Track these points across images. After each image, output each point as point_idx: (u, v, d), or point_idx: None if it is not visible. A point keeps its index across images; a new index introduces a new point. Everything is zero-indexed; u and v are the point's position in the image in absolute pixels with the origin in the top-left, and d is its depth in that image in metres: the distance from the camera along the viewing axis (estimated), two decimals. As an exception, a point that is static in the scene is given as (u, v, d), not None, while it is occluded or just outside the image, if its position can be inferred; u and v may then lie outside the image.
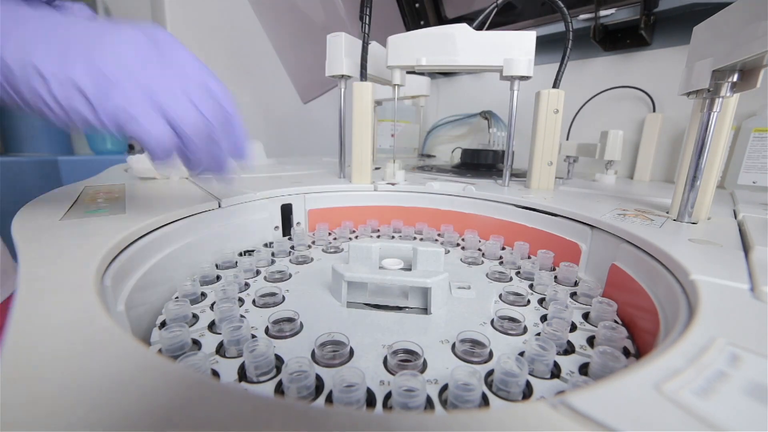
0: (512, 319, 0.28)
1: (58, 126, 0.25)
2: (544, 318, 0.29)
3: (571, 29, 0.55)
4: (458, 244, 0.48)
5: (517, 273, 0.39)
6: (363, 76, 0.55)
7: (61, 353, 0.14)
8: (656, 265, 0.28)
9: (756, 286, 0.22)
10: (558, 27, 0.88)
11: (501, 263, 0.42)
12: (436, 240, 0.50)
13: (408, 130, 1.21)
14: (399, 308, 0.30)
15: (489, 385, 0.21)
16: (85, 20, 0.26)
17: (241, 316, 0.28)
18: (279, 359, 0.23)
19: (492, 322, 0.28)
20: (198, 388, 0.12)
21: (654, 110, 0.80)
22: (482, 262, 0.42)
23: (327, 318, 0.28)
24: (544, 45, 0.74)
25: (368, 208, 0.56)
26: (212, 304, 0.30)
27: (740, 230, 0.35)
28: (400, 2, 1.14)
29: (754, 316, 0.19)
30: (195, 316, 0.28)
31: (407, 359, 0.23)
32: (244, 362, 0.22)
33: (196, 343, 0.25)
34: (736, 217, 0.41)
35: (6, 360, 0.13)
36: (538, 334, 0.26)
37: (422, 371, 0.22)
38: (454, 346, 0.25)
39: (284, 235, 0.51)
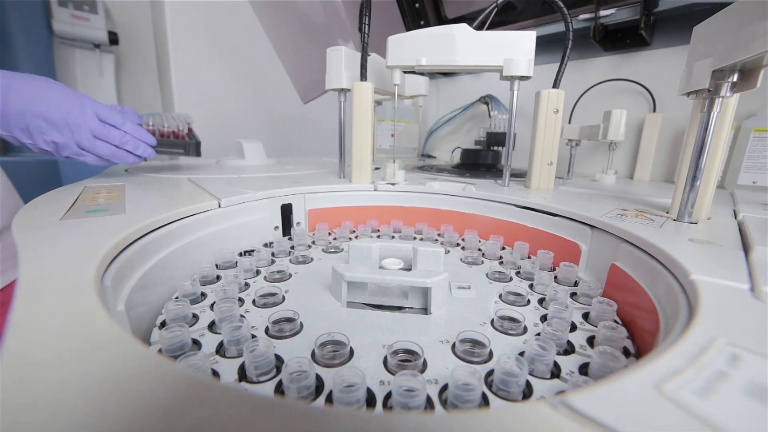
0: (512, 319, 0.28)
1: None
2: (544, 318, 0.29)
3: (571, 29, 0.55)
4: (458, 244, 0.48)
5: (517, 273, 0.39)
6: (363, 76, 0.55)
7: (61, 353, 0.14)
8: (656, 265, 0.28)
9: (756, 286, 0.22)
10: (558, 27, 0.88)
11: (501, 263, 0.42)
12: (436, 240, 0.50)
13: (408, 130, 1.21)
14: (399, 308, 0.30)
15: (489, 385, 0.21)
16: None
17: (241, 316, 0.28)
18: (279, 359, 0.23)
19: (492, 322, 0.28)
20: (198, 388, 0.12)
21: (654, 110, 0.80)
22: (482, 262, 0.42)
23: (327, 318, 0.28)
24: (544, 45, 0.74)
25: (368, 208, 0.56)
26: (212, 304, 0.30)
27: (740, 230, 0.35)
28: (400, 2, 1.14)
29: (754, 316, 0.19)
30: (195, 316, 0.28)
31: (407, 359, 0.23)
32: (244, 362, 0.22)
33: (196, 343, 0.25)
34: (736, 217, 0.41)
35: (6, 360, 0.13)
36: (538, 334, 0.26)
37: (422, 371, 0.22)
38: (454, 346, 0.25)
39: (284, 235, 0.51)
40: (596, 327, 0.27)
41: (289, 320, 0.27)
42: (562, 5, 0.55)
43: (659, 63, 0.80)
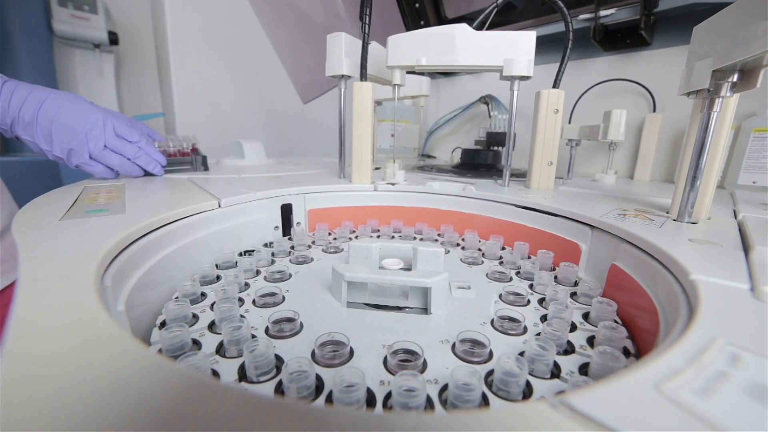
0: (512, 319, 0.28)
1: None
2: (544, 318, 0.29)
3: (571, 29, 0.55)
4: (458, 244, 0.48)
5: (517, 273, 0.39)
6: (363, 76, 0.55)
7: (61, 353, 0.14)
8: (656, 265, 0.28)
9: (756, 286, 0.22)
10: (558, 27, 0.88)
11: (501, 263, 0.42)
12: (436, 240, 0.50)
13: (408, 130, 1.21)
14: (399, 308, 0.30)
15: (489, 385, 0.21)
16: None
17: (241, 316, 0.28)
18: (279, 359, 0.23)
19: (492, 322, 0.28)
20: (198, 388, 0.12)
21: (654, 110, 0.80)
22: (482, 262, 0.42)
23: (327, 318, 0.28)
24: (544, 45, 0.74)
25: (368, 208, 0.56)
26: (212, 304, 0.30)
27: (740, 230, 0.35)
28: (400, 2, 1.14)
29: (754, 316, 0.19)
30: (195, 316, 0.28)
31: (407, 359, 0.23)
32: (244, 362, 0.22)
33: (196, 343, 0.25)
34: (736, 217, 0.41)
35: (6, 360, 0.13)
36: (538, 334, 0.26)
37: (422, 371, 0.22)
38: (454, 346, 0.25)
39: (284, 235, 0.51)
40: (596, 327, 0.27)
41: (289, 320, 0.27)
42: (562, 5, 0.55)
43: (659, 63, 0.80)
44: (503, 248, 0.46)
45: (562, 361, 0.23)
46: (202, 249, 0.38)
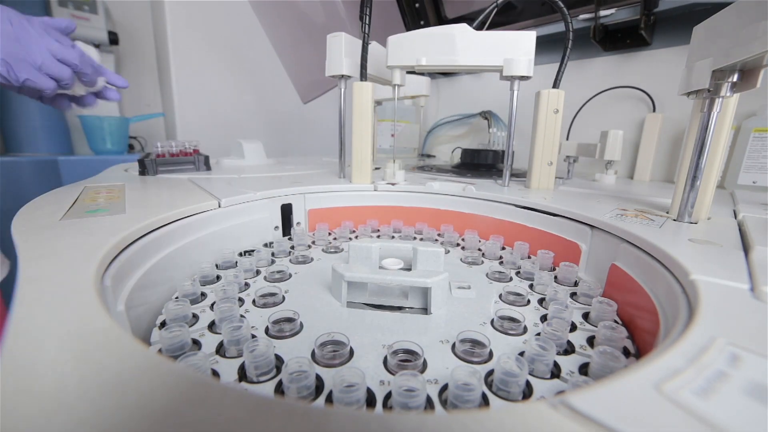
0: (512, 319, 0.28)
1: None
2: (544, 318, 0.29)
3: (571, 29, 0.55)
4: (458, 244, 0.48)
5: (517, 273, 0.39)
6: (363, 76, 0.55)
7: (61, 353, 0.14)
8: (656, 265, 0.28)
9: (756, 286, 0.22)
10: (558, 27, 0.88)
11: (501, 263, 0.42)
12: (436, 240, 0.50)
13: (408, 130, 1.21)
14: (399, 308, 0.30)
15: (489, 385, 0.21)
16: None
17: (241, 316, 0.28)
18: (279, 359, 0.23)
19: (492, 322, 0.28)
20: (198, 388, 0.12)
21: (654, 110, 0.80)
22: (482, 262, 0.42)
23: (327, 318, 0.28)
24: (544, 45, 0.74)
25: (368, 208, 0.56)
26: (212, 304, 0.30)
27: (740, 230, 0.35)
28: (400, 2, 1.14)
29: (754, 316, 0.19)
30: (195, 316, 0.28)
31: (407, 359, 0.23)
32: (244, 362, 0.22)
33: (196, 343, 0.25)
34: (736, 217, 0.41)
35: (6, 360, 0.13)
36: (538, 334, 0.26)
37: (422, 371, 0.22)
38: (454, 346, 0.25)
39: (284, 235, 0.51)
40: (596, 327, 0.27)
41: (289, 320, 0.27)
42: (562, 5, 0.55)
43: (659, 63, 0.80)
44: (503, 248, 0.46)
45: (562, 361, 0.23)
46: (202, 249, 0.38)
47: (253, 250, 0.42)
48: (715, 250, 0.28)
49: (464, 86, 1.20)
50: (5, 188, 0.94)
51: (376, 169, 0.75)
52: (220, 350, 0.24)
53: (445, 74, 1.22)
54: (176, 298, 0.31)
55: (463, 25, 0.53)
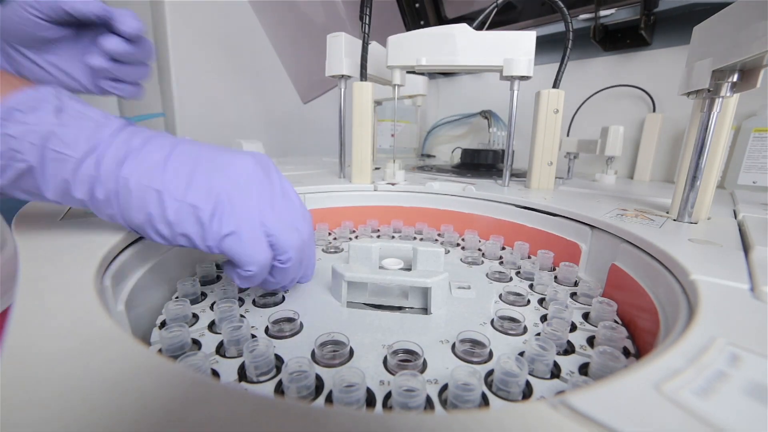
0: (512, 319, 0.28)
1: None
2: (544, 318, 0.29)
3: (571, 29, 0.55)
4: (458, 244, 0.48)
5: (517, 273, 0.39)
6: (363, 76, 0.55)
7: (61, 353, 0.14)
8: (656, 265, 0.28)
9: (756, 286, 0.22)
10: (558, 27, 0.88)
11: (501, 263, 0.42)
12: (436, 240, 0.50)
13: (408, 130, 1.21)
14: (399, 308, 0.30)
15: (489, 385, 0.21)
16: (198, 145, 0.26)
17: (241, 316, 0.28)
18: (279, 359, 0.23)
19: (492, 322, 0.28)
20: (198, 388, 0.12)
21: (654, 110, 0.80)
22: (482, 262, 0.42)
23: (327, 318, 0.28)
24: (544, 45, 0.74)
25: (368, 208, 0.56)
26: (212, 304, 0.30)
27: (740, 230, 0.35)
28: (400, 2, 1.14)
29: (754, 316, 0.19)
30: (195, 316, 0.28)
31: (407, 359, 0.23)
32: (244, 362, 0.22)
33: (196, 343, 0.25)
34: (736, 217, 0.41)
35: (6, 360, 0.13)
36: (538, 334, 0.26)
37: (422, 371, 0.22)
38: (454, 346, 0.25)
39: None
40: (596, 327, 0.27)
41: (289, 320, 0.27)
42: (562, 5, 0.55)
43: (659, 63, 0.80)
44: (503, 248, 0.46)
45: (562, 361, 0.23)
46: (202, 249, 0.38)
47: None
48: (715, 250, 0.28)
49: (464, 86, 1.20)
50: (5, 188, 0.94)
51: (376, 169, 0.75)
52: (220, 350, 0.24)
53: (445, 74, 1.22)
54: (176, 298, 0.31)
55: (463, 25, 0.53)
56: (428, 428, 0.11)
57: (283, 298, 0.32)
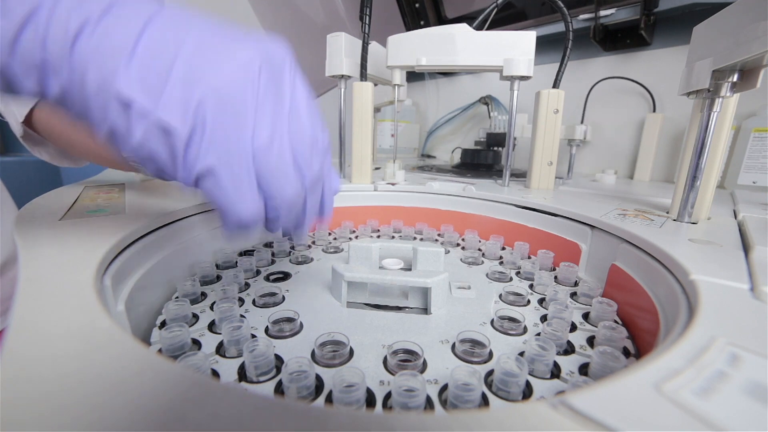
0: (512, 319, 0.28)
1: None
2: (544, 318, 0.29)
3: (571, 29, 0.55)
4: (458, 244, 0.48)
5: (517, 273, 0.39)
6: (363, 76, 0.55)
7: (61, 353, 0.14)
8: (656, 265, 0.28)
9: (756, 286, 0.22)
10: (558, 27, 0.88)
11: (501, 263, 0.42)
12: (436, 240, 0.50)
13: (408, 130, 1.21)
14: (399, 308, 0.30)
15: (489, 385, 0.21)
16: (186, 19, 0.18)
17: (241, 316, 0.28)
18: (279, 359, 0.23)
19: (492, 322, 0.28)
20: (198, 388, 0.12)
21: (654, 110, 0.80)
22: (482, 262, 0.42)
23: (327, 318, 0.28)
24: (544, 45, 0.74)
25: (368, 208, 0.56)
26: (212, 304, 0.30)
27: (740, 230, 0.35)
28: (400, 2, 1.14)
29: (754, 316, 0.19)
30: (195, 316, 0.28)
31: (407, 359, 0.23)
32: (244, 362, 0.22)
33: (196, 343, 0.25)
34: (736, 217, 0.41)
35: (6, 360, 0.13)
36: (538, 334, 0.26)
37: (422, 371, 0.22)
38: (454, 346, 0.25)
39: (284, 235, 0.51)
40: (596, 327, 0.27)
41: (289, 320, 0.27)
42: (562, 5, 0.55)
43: (659, 63, 0.80)
44: (503, 248, 0.46)
45: (562, 361, 0.23)
46: (202, 249, 0.38)
47: (253, 250, 0.42)
48: (715, 250, 0.28)
49: (464, 86, 1.20)
50: (5, 188, 0.94)
51: (376, 169, 0.75)
52: (220, 350, 0.24)
53: (445, 74, 1.22)
54: (176, 298, 0.31)
55: (463, 25, 0.53)
56: (428, 428, 0.11)
57: (283, 298, 0.32)
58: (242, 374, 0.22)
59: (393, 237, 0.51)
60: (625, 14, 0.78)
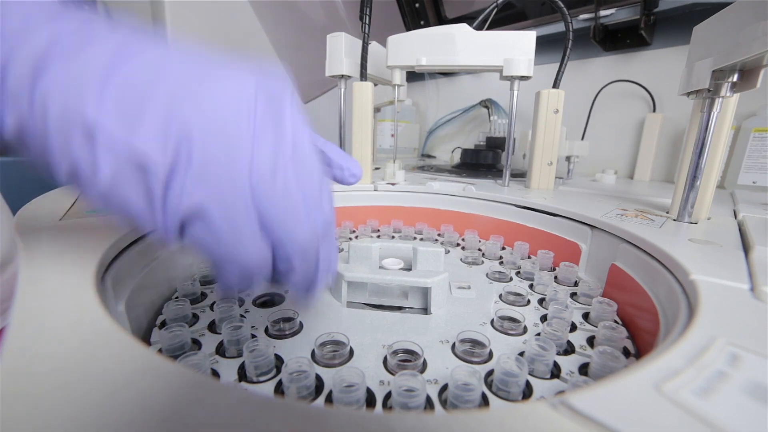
0: (512, 319, 0.28)
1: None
2: (544, 318, 0.29)
3: (571, 29, 0.55)
4: (458, 244, 0.48)
5: (517, 273, 0.39)
6: (363, 76, 0.55)
7: (61, 353, 0.14)
8: (656, 265, 0.28)
9: (756, 286, 0.22)
10: (558, 27, 0.88)
11: (501, 263, 0.42)
12: (436, 240, 0.50)
13: (408, 130, 1.21)
14: (399, 308, 0.30)
15: (489, 385, 0.21)
16: (166, 47, 0.16)
17: (241, 316, 0.28)
18: (279, 359, 0.23)
19: (492, 322, 0.28)
20: (198, 388, 0.12)
21: (654, 110, 0.80)
22: (482, 262, 0.42)
23: (327, 318, 0.28)
24: (544, 45, 0.74)
25: (368, 208, 0.56)
26: (212, 304, 0.30)
27: (740, 230, 0.35)
28: (400, 2, 1.14)
29: (754, 316, 0.19)
30: (195, 316, 0.28)
31: (407, 359, 0.23)
32: (244, 362, 0.22)
33: (196, 343, 0.25)
34: (736, 217, 0.41)
35: (6, 360, 0.13)
36: (538, 334, 0.26)
37: (422, 371, 0.22)
38: (454, 346, 0.25)
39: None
40: (596, 327, 0.27)
41: (289, 320, 0.27)
42: (562, 5, 0.55)
43: (659, 63, 0.80)
44: (503, 248, 0.46)
45: (562, 361, 0.23)
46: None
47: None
48: (715, 250, 0.28)
49: (464, 86, 1.20)
50: (5, 188, 0.94)
51: (376, 169, 0.75)
52: (220, 350, 0.24)
53: (445, 74, 1.22)
54: (176, 298, 0.31)
55: (463, 25, 0.53)
56: (428, 428, 0.11)
57: (284, 298, 0.32)
58: (242, 374, 0.22)
59: (393, 237, 0.51)
60: (625, 14, 0.78)
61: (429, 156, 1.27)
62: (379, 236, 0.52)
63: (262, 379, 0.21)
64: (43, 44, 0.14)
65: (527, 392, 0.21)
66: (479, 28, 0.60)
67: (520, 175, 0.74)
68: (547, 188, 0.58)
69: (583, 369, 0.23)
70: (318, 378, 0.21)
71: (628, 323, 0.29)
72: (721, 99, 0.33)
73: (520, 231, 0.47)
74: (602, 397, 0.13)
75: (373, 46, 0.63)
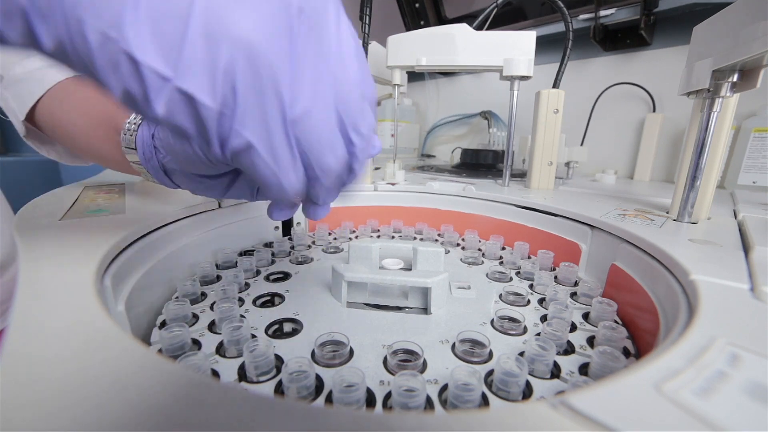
0: (512, 319, 0.28)
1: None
2: (544, 318, 0.29)
3: (571, 29, 0.55)
4: (458, 244, 0.48)
5: (517, 273, 0.39)
6: (363, 76, 0.55)
7: (61, 353, 0.14)
8: (656, 265, 0.28)
9: (756, 286, 0.22)
10: (558, 27, 0.88)
11: (501, 263, 0.42)
12: (436, 240, 0.50)
13: (408, 130, 1.21)
14: (399, 308, 0.30)
15: (489, 385, 0.21)
16: None
17: (241, 316, 0.28)
18: (279, 359, 0.23)
19: (492, 322, 0.28)
20: (198, 388, 0.12)
21: (654, 110, 0.80)
22: (482, 262, 0.42)
23: (327, 318, 0.28)
24: (544, 45, 0.74)
25: (368, 208, 0.56)
26: (212, 304, 0.30)
27: (740, 230, 0.35)
28: (400, 2, 1.14)
29: (754, 316, 0.19)
30: (195, 316, 0.28)
31: (407, 359, 0.23)
32: (244, 362, 0.22)
33: (196, 343, 0.25)
34: (736, 217, 0.41)
35: (6, 360, 0.13)
36: (538, 334, 0.26)
37: (422, 371, 0.22)
38: (454, 346, 0.25)
39: (284, 235, 0.51)
40: (596, 327, 0.27)
41: (290, 320, 0.27)
42: (562, 5, 0.55)
43: (659, 63, 0.80)
44: (503, 248, 0.46)
45: (562, 361, 0.23)
46: (202, 249, 0.38)
47: (253, 250, 0.42)
48: (715, 250, 0.28)
49: (464, 86, 1.20)
50: (5, 188, 0.94)
51: (376, 169, 0.75)
52: (220, 350, 0.24)
53: (445, 74, 1.22)
54: (176, 298, 0.31)
55: (463, 25, 0.53)
56: (428, 428, 0.11)
57: (284, 298, 0.32)
58: (242, 374, 0.22)
59: (393, 237, 0.51)
60: (625, 14, 0.78)
61: (429, 156, 1.27)
62: (379, 236, 0.52)
63: (262, 379, 0.21)
64: None
65: (527, 392, 0.21)
66: (479, 28, 0.60)
67: (520, 175, 0.74)
68: (547, 188, 0.58)
69: (583, 369, 0.23)
70: (318, 378, 0.21)
71: (628, 323, 0.29)
72: (721, 99, 0.33)
73: (520, 231, 0.47)
74: (602, 397, 0.13)
75: (373, 46, 0.63)
